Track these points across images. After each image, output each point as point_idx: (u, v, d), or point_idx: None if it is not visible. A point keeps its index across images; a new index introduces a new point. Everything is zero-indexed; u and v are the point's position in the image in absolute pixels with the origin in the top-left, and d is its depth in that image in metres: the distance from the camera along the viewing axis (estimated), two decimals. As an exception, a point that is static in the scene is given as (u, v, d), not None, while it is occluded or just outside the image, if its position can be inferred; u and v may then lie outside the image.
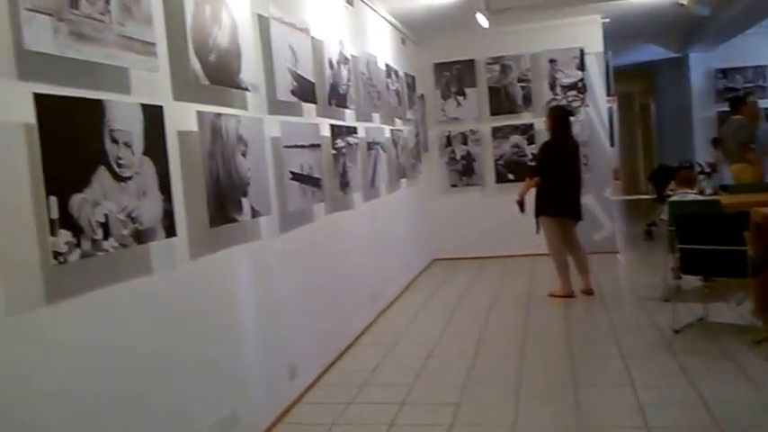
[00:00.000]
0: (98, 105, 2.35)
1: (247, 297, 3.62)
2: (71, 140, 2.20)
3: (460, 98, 8.99)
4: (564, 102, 8.48)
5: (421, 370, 4.59)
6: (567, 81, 8.65)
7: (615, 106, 12.70)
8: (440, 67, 9.01)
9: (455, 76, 8.98)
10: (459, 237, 9.03)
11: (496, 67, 8.83)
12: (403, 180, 7.47)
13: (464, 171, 9.06)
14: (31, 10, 2.02)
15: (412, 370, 4.59)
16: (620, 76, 11.94)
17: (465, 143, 9.02)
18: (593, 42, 8.60)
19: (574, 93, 8.63)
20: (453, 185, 9.11)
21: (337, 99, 5.12)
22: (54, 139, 2.11)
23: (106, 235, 2.33)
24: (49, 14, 2.10)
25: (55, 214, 2.10)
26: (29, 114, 2.05)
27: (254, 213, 3.55)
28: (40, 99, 2.07)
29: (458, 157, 9.07)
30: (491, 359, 4.75)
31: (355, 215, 5.66)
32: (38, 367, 2.09)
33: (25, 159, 2.08)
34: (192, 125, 3.03)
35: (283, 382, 4.01)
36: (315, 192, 4.48)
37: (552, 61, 8.65)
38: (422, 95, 8.92)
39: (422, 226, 8.56)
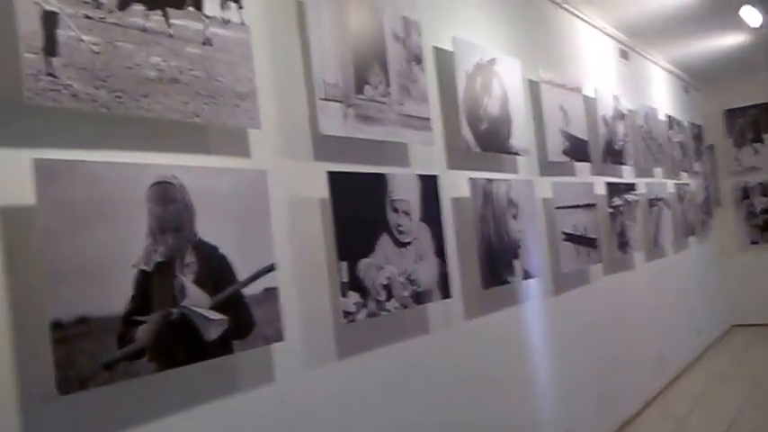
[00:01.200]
0: (381, 179, 2.59)
1: (522, 358, 3.61)
2: (358, 211, 2.45)
3: (757, 145, 8.13)
4: None
5: (718, 449, 4.14)
6: None
7: None
8: (731, 114, 8.28)
9: (750, 122, 8.16)
10: (763, 300, 8.00)
11: (801, 108, 7.86)
12: (691, 238, 6.91)
13: (766, 226, 8.10)
14: (324, 99, 2.34)
15: (707, 448, 4.15)
16: None
17: (766, 194, 8.09)
18: None
19: None
20: (753, 242, 8.18)
21: (613, 156, 4.97)
22: (344, 210, 2.38)
23: (389, 296, 2.53)
24: (339, 101, 2.40)
25: (345, 277, 2.34)
26: (323, 190, 2.34)
27: (526, 275, 3.57)
28: (332, 176, 2.35)
29: (757, 211, 8.14)
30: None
31: (636, 276, 5.37)
32: (324, 418, 2.31)
33: (320, 229, 2.37)
34: (465, 191, 3.19)
35: (562, 449, 3.89)
36: (590, 252, 4.36)
37: None
38: (711, 145, 8.24)
39: (716, 288, 7.78)
